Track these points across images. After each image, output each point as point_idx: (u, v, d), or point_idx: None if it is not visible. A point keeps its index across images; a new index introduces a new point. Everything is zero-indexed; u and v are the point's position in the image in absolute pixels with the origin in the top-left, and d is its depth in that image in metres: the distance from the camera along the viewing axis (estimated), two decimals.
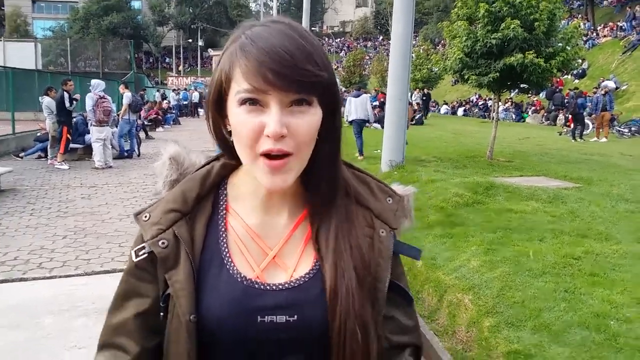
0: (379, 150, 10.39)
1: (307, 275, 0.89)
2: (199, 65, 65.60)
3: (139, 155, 13.44)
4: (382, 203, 0.98)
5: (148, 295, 0.91)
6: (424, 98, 25.90)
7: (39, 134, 13.22)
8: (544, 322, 3.50)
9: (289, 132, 0.81)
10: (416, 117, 21.94)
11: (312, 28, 53.76)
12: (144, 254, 0.89)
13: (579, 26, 12.09)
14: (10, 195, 8.41)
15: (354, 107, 11.45)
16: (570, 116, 20.22)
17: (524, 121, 26.76)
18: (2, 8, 70.34)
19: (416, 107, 23.39)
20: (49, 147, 11.90)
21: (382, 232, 0.94)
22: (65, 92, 11.13)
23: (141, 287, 0.91)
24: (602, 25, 34.49)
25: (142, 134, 16.24)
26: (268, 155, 0.82)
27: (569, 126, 20.62)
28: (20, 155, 12.67)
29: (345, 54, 54.32)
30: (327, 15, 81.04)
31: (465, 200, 6.39)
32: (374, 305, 0.90)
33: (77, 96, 11.82)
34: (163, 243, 0.88)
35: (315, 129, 0.84)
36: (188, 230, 0.90)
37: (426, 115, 25.81)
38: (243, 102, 0.81)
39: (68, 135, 11.38)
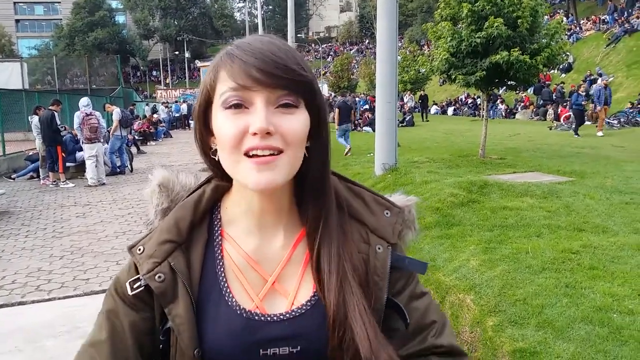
0: (371, 154, 10.42)
1: (309, 303, 0.86)
2: (187, 77, 65.58)
3: (131, 171, 13.39)
4: (378, 217, 0.93)
5: (144, 325, 0.87)
6: (421, 100, 25.98)
7: (30, 153, 13.17)
8: (547, 319, 3.51)
9: (276, 131, 0.78)
10: (406, 119, 22.01)
11: (298, 34, 53.94)
12: (139, 287, 0.85)
13: (562, 21, 12.20)
14: (4, 218, 8.34)
15: None
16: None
17: (514, 116, 26.91)
18: None
19: (405, 109, 23.48)
20: (40, 167, 11.83)
21: (379, 248, 0.90)
22: (54, 113, 11.08)
23: (136, 317, 0.87)
24: (585, 18, 34.84)
25: (133, 149, 16.19)
26: (254, 156, 0.79)
27: (559, 120, 20.77)
28: (12, 176, 12.60)
29: (332, 59, 54.47)
30: (312, 21, 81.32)
31: (460, 200, 6.41)
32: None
33: (65, 128, 11.89)
34: (159, 277, 0.84)
35: (303, 131, 0.81)
36: (184, 261, 0.86)
37: (425, 117, 25.91)
38: (228, 106, 0.79)
39: (63, 154, 11.33)
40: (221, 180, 0.92)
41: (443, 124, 22.33)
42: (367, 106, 23.93)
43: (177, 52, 68.61)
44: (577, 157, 10.53)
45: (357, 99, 27.10)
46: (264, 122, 0.77)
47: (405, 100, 24.54)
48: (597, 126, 17.01)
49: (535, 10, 9.95)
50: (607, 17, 31.36)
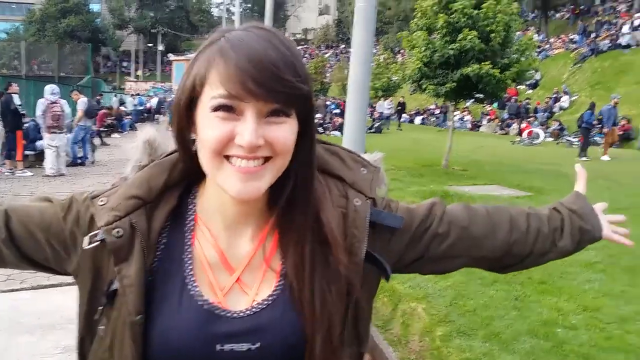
0: None
1: (270, 298, 0.84)
2: (158, 70, 64.67)
3: (92, 163, 13.09)
4: (354, 172, 0.93)
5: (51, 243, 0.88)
6: (399, 108, 26.16)
7: None
8: (495, 331, 3.56)
9: (266, 143, 0.76)
10: (375, 126, 22.16)
11: None
12: (97, 241, 0.82)
13: (533, 38, 12.51)
14: None
15: None
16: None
17: (479, 129, 27.36)
18: None
19: (376, 115, 23.64)
20: None
21: (357, 201, 0.89)
22: (12, 95, 10.73)
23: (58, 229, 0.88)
24: (555, 36, 35.74)
25: (97, 140, 15.82)
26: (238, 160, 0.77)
27: (521, 135, 21.20)
28: None
29: (307, 62, 54.52)
30: (289, 22, 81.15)
31: None
32: (349, 292, 0.86)
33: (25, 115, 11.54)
34: (118, 232, 0.81)
35: (292, 141, 0.79)
36: (146, 221, 0.83)
37: (398, 125, 26.10)
38: (217, 108, 0.75)
39: (24, 141, 10.99)
40: (189, 170, 0.87)
41: (411, 133, 22.56)
42: (337, 110, 24.00)
43: (150, 45, 67.57)
44: (538, 173, 10.74)
45: (327, 102, 27.19)
46: (254, 136, 0.74)
47: (386, 106, 24.65)
48: (602, 148, 15.30)
49: (508, 26, 10.15)
50: (577, 37, 32.24)
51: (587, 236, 1.06)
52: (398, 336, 3.94)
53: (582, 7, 39.41)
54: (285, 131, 0.77)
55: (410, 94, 15.26)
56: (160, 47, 64.63)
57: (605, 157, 14.58)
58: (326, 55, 56.70)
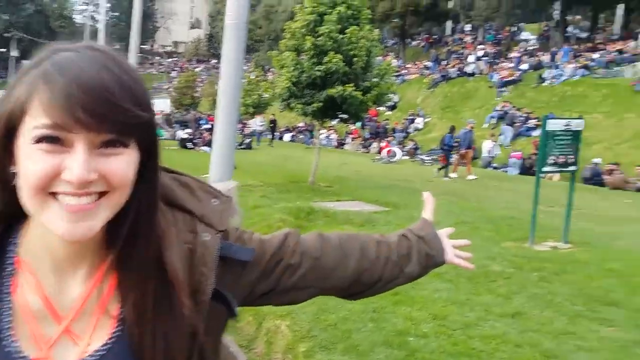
0: (207, 175, 10.26)
1: (104, 348, 0.75)
2: (11, 78, 58.88)
3: None
4: (204, 204, 0.86)
5: None
6: (272, 125, 26.48)
7: None
8: (353, 343, 3.72)
9: (99, 176, 0.68)
10: (245, 142, 22.17)
11: (143, 45, 51.75)
12: None
13: (391, 63, 13.41)
14: None
15: None
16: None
17: (343, 147, 28.55)
18: None
19: (247, 132, 23.68)
20: None
21: (206, 235, 0.83)
22: None
23: None
24: (412, 62, 38.53)
25: None
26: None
27: (379, 153, 22.44)
28: None
29: (177, 75, 53.15)
30: (158, 33, 78.58)
31: (288, 226, 6.56)
32: (194, 336, 0.80)
33: None
34: None
35: (132, 173, 0.71)
36: None
37: (271, 141, 26.32)
38: (39, 139, 0.66)
39: None
40: (8, 209, 0.75)
41: (281, 149, 22.89)
42: (208, 125, 23.65)
43: (3, 50, 61.39)
44: (395, 189, 11.42)
45: (197, 116, 26.73)
46: (84, 170, 0.66)
47: (258, 123, 24.77)
48: (454, 169, 16.07)
49: (370, 51, 10.79)
50: (430, 64, 35.09)
51: (432, 261, 1.12)
52: (261, 355, 3.95)
53: (434, 37, 43.02)
54: (122, 162, 0.70)
55: (280, 112, 15.51)
56: (14, 53, 58.92)
57: (471, 176, 15.56)
58: (197, 70, 55.67)
